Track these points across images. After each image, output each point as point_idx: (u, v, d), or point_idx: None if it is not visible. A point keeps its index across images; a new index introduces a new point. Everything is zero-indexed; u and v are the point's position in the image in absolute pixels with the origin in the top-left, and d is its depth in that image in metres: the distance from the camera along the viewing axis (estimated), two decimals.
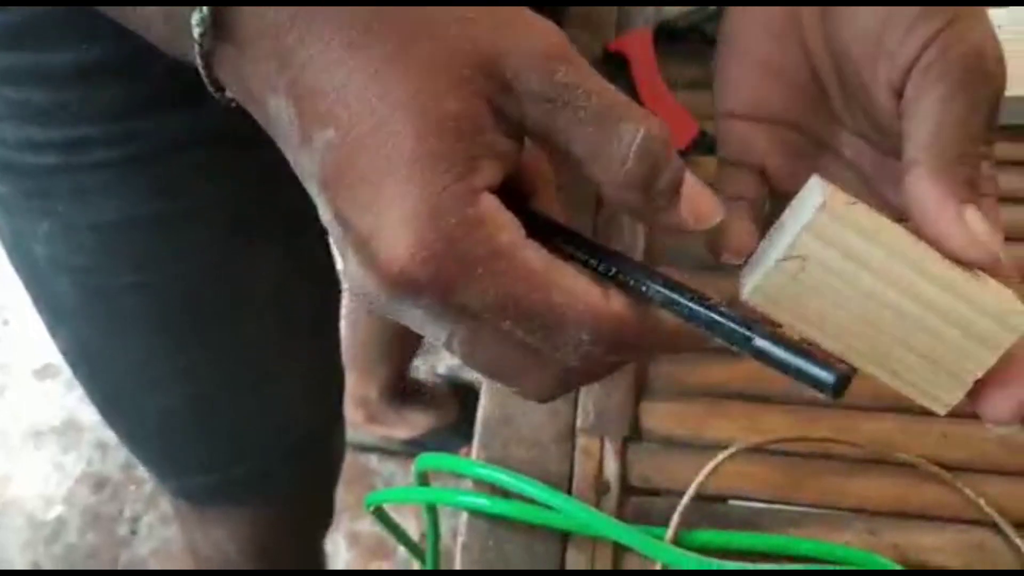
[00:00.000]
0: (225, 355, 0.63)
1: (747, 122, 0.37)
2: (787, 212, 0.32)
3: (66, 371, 0.78)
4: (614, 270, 0.30)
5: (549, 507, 0.46)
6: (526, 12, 0.29)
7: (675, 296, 0.29)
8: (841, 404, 0.51)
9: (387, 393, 1.40)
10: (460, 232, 0.27)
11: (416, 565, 1.36)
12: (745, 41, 0.37)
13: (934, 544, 0.46)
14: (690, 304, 0.28)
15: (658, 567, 0.45)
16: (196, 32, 0.28)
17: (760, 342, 0.27)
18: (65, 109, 0.50)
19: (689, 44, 0.68)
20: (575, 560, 0.46)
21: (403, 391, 1.42)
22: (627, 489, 0.49)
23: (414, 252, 0.26)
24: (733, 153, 0.37)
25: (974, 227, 0.31)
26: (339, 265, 0.76)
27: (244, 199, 0.58)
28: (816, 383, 0.26)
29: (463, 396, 1.45)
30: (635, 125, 0.28)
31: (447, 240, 0.27)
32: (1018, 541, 0.46)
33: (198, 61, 0.29)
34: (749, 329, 0.27)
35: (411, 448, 1.41)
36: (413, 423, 1.44)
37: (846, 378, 0.26)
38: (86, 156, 0.52)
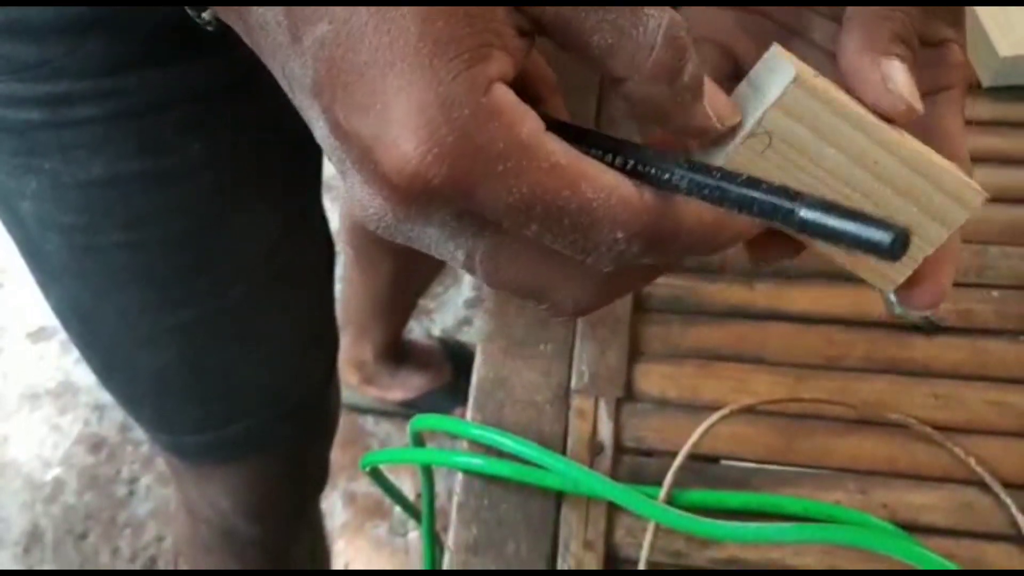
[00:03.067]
0: (216, 315, 0.63)
1: (713, 7, 0.35)
2: (743, 85, 0.31)
3: (61, 333, 0.77)
4: (632, 162, 0.27)
5: (544, 467, 0.47)
6: None
7: (703, 178, 0.26)
8: (833, 365, 0.51)
9: (382, 355, 1.41)
10: (475, 124, 0.24)
11: (412, 525, 1.38)
12: None
13: (924, 503, 0.47)
14: (721, 183, 0.26)
15: (651, 526, 0.46)
16: None
17: (806, 212, 0.24)
18: (48, 64, 0.49)
19: None
20: (569, 519, 0.47)
21: (398, 353, 1.43)
22: (621, 449, 0.49)
23: (425, 149, 0.24)
24: (699, 31, 0.35)
25: (891, 77, 0.30)
26: (333, 226, 0.75)
27: (235, 159, 0.57)
28: (872, 247, 0.24)
29: (458, 358, 1.46)
30: (658, 10, 0.26)
31: (461, 133, 0.24)
32: (1007, 500, 0.46)
33: None
34: (792, 200, 0.25)
35: (406, 410, 1.42)
36: (408, 385, 1.44)
37: (904, 236, 0.24)
38: (70, 112, 0.51)
